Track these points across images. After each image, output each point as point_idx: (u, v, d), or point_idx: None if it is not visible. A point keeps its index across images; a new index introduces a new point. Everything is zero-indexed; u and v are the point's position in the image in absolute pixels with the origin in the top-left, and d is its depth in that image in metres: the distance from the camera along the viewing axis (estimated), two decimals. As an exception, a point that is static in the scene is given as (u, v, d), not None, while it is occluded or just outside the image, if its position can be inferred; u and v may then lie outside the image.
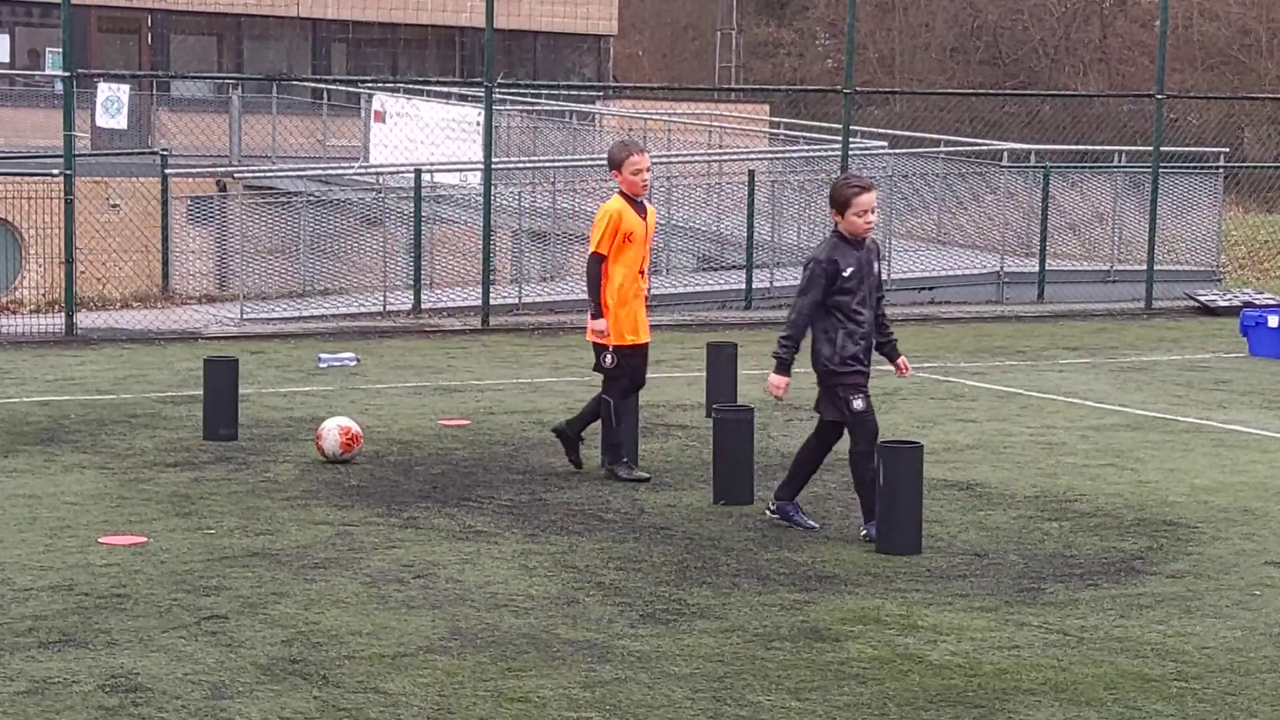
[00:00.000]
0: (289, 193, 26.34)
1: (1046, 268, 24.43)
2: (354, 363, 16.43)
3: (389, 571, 8.15)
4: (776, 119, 36.33)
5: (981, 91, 42.01)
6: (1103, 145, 31.15)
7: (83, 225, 20.32)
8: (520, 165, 26.57)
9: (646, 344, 10.71)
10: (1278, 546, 8.91)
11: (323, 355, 16.64)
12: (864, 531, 8.90)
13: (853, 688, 6.43)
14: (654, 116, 32.75)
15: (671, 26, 57.38)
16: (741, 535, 9.08)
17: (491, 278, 20.76)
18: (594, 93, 39.29)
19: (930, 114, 41.48)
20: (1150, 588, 8.02)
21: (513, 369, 16.32)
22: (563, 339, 19.03)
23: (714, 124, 32.20)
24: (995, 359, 17.57)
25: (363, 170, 26.86)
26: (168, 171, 23.11)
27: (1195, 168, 27.10)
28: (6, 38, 37.50)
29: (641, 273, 10.52)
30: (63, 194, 18.65)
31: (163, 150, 26.40)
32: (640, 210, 10.49)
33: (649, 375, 10.97)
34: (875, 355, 9.06)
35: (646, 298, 10.73)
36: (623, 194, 10.43)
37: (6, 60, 36.88)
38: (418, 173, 21.92)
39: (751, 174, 23.32)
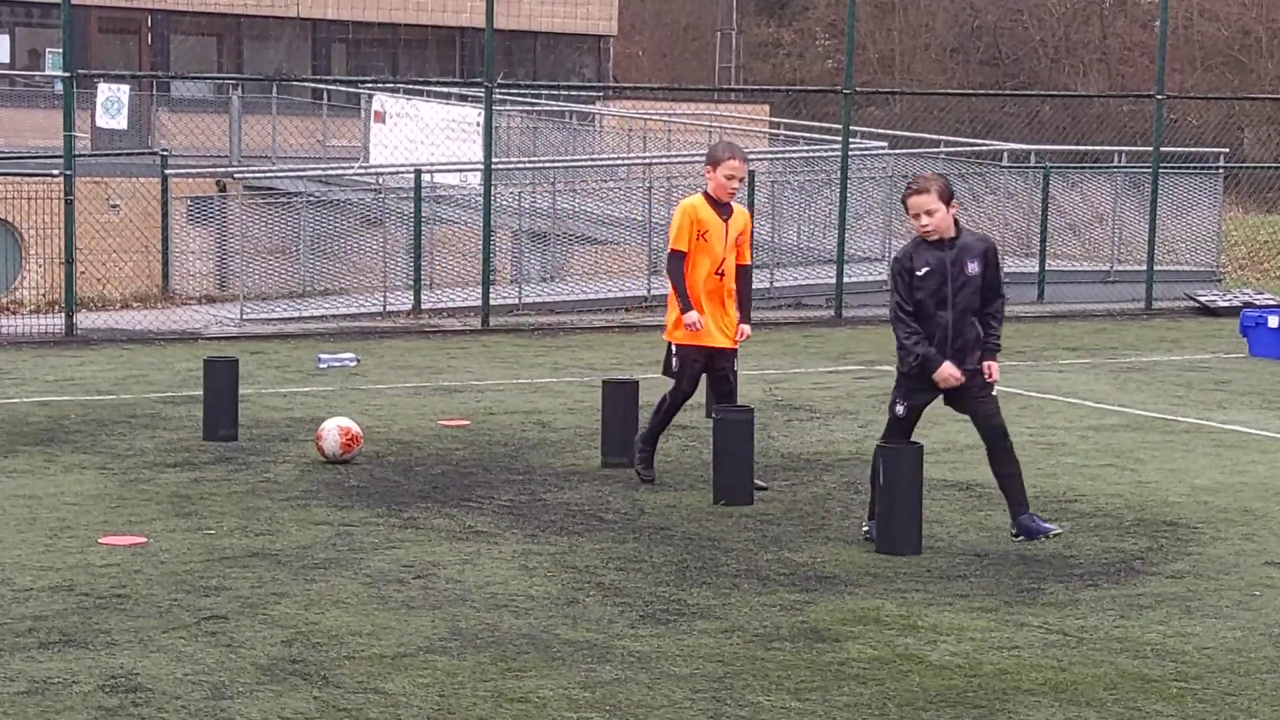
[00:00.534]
0: (289, 193, 26.33)
1: (1046, 268, 24.43)
2: (354, 363, 16.43)
3: (389, 572, 8.15)
4: (776, 119, 36.31)
5: (981, 92, 42.01)
6: (1103, 146, 31.16)
7: (83, 225, 20.32)
8: (520, 166, 26.57)
9: (721, 349, 10.40)
10: (1278, 546, 8.91)
11: (323, 356, 16.63)
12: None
13: (853, 688, 6.43)
14: (654, 117, 32.77)
15: (671, 27, 57.36)
16: (741, 535, 9.08)
17: (491, 278, 20.76)
18: (594, 93, 39.29)
19: (930, 114, 41.45)
20: (1150, 588, 8.01)
21: (513, 369, 16.32)
22: (563, 339, 19.03)
23: (714, 124, 32.17)
24: (995, 359, 17.54)
25: (363, 171, 26.87)
26: (168, 172, 23.12)
27: (1195, 168, 27.09)
28: (6, 38, 37.47)
29: (720, 273, 10.35)
30: (63, 194, 18.65)
31: (163, 151, 26.42)
32: (721, 211, 10.31)
33: (698, 383, 10.55)
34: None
35: (722, 299, 10.40)
36: (706, 194, 10.35)
37: (6, 60, 36.84)
38: (418, 173, 21.92)
39: (751, 174, 23.29)
